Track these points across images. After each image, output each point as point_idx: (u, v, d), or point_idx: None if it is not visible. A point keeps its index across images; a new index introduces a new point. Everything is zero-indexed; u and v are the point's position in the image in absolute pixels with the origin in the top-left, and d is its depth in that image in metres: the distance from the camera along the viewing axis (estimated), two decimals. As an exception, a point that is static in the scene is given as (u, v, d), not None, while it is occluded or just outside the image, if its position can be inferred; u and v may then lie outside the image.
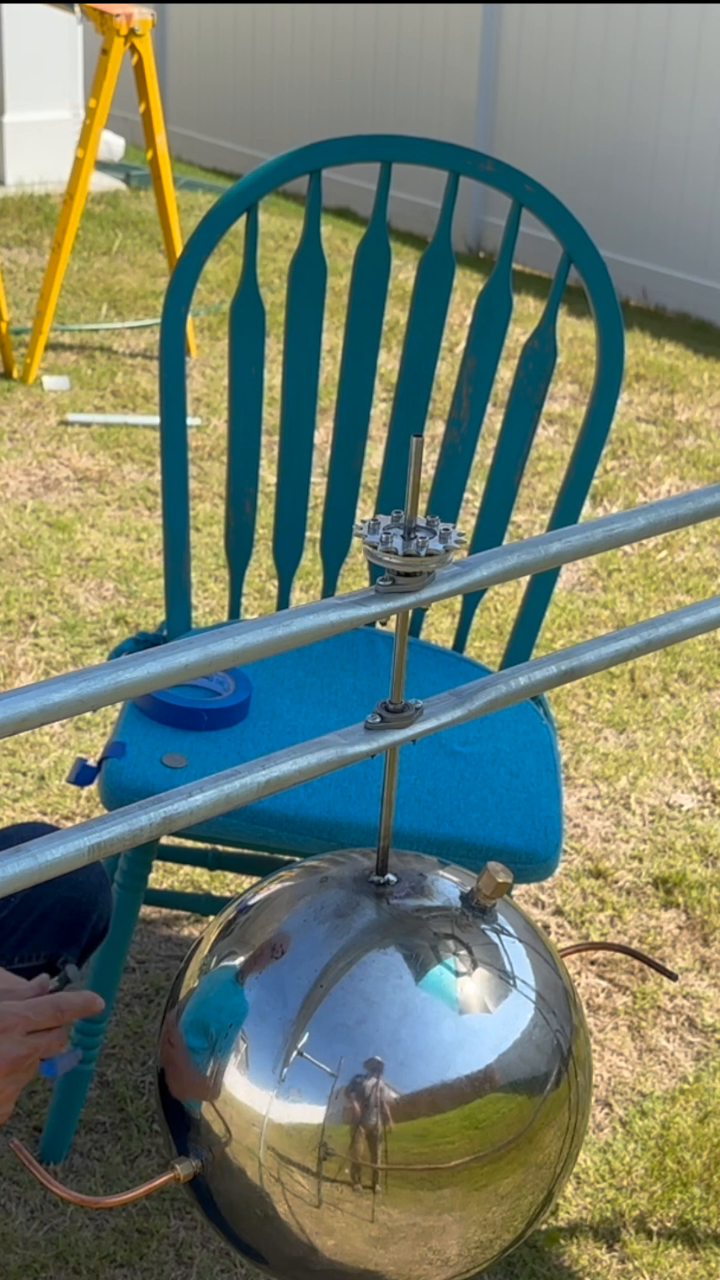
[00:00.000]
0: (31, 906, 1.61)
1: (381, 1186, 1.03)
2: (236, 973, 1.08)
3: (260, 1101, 1.03)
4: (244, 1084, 1.04)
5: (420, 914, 1.10)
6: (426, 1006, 1.05)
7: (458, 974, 1.06)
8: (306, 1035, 1.03)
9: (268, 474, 3.45)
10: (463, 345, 2.08)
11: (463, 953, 1.07)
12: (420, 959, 1.06)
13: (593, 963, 2.38)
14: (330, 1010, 1.04)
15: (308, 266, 2.04)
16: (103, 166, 6.15)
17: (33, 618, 3.15)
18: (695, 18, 5.59)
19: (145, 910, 2.37)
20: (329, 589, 2.15)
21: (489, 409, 2.09)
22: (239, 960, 1.09)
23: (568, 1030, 1.10)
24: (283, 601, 2.13)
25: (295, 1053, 1.03)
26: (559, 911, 2.48)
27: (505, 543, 1.87)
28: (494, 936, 1.10)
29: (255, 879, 1.66)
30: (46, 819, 2.55)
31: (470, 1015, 1.06)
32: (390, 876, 1.11)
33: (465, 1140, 1.04)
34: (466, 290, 5.02)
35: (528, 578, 2.06)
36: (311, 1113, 1.02)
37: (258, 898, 1.13)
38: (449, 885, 1.14)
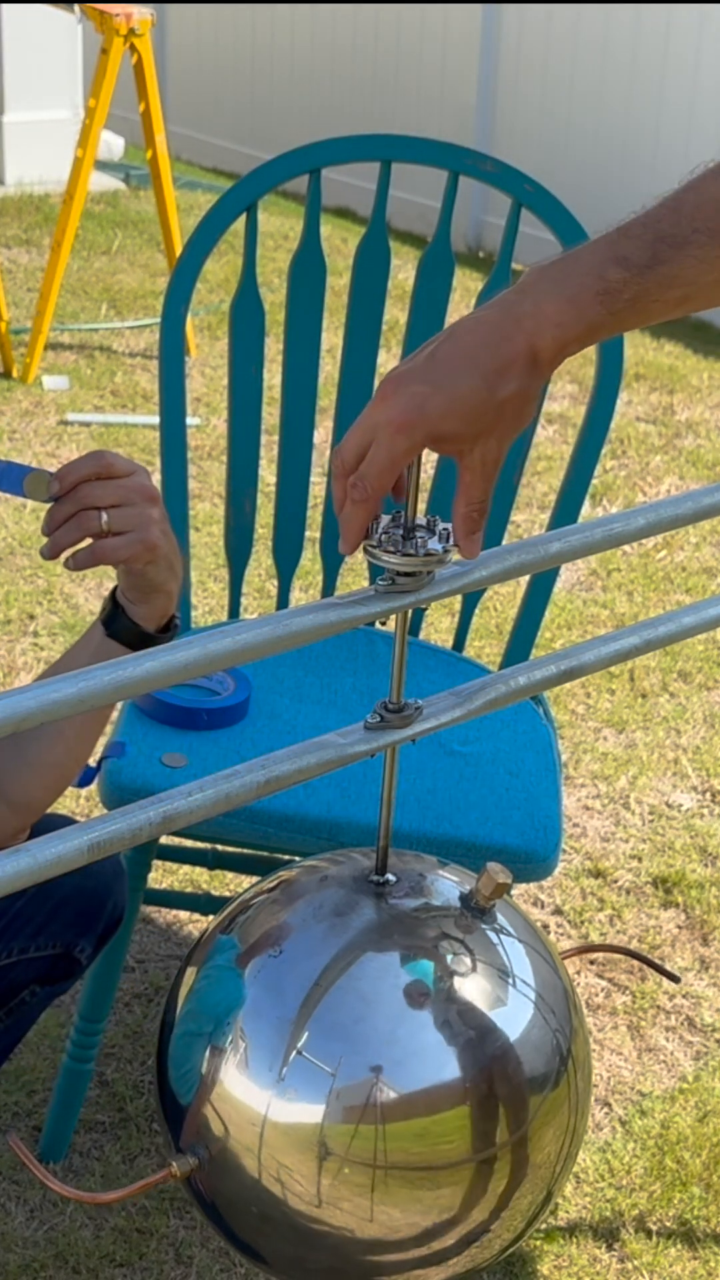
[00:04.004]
0: (48, 895, 1.62)
1: (381, 1186, 1.03)
2: (236, 972, 1.08)
3: (259, 1101, 1.04)
4: (243, 1083, 1.04)
5: (420, 914, 1.10)
6: (426, 1006, 1.05)
7: (457, 974, 1.06)
8: (306, 1034, 1.03)
9: (267, 474, 3.45)
10: (462, 345, 2.08)
11: (462, 952, 1.07)
12: (419, 959, 1.06)
13: (592, 962, 2.38)
14: (329, 1010, 1.04)
15: (307, 266, 2.04)
16: (102, 166, 6.15)
17: (32, 617, 3.15)
18: (695, 18, 5.59)
19: (145, 910, 2.37)
20: (329, 589, 2.15)
21: (489, 409, 2.09)
22: (238, 959, 1.09)
23: (567, 1030, 1.10)
24: (282, 601, 2.13)
25: (294, 1052, 1.03)
26: (558, 911, 2.48)
27: (505, 543, 1.87)
28: (493, 936, 1.10)
29: (255, 879, 1.66)
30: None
31: (469, 1015, 1.06)
32: (390, 876, 1.11)
33: (464, 1140, 1.04)
34: (466, 290, 5.03)
35: (527, 577, 2.06)
36: (311, 1112, 1.03)
37: (257, 897, 1.13)
38: (448, 885, 1.14)
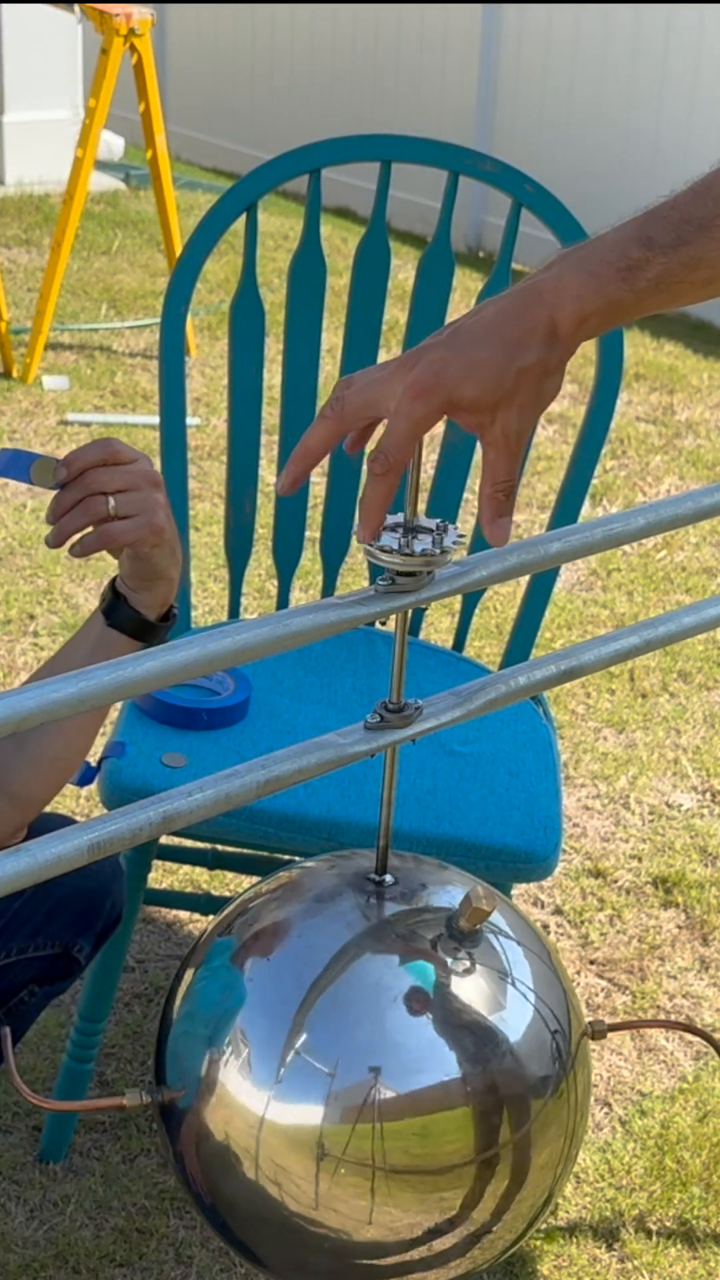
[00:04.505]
0: (46, 895, 1.62)
1: (380, 1188, 1.02)
2: (235, 973, 1.08)
3: (257, 1102, 1.03)
4: (241, 1084, 1.04)
5: (419, 915, 1.10)
6: (424, 1007, 1.05)
7: (456, 975, 1.06)
8: (304, 1035, 1.03)
9: (267, 474, 3.45)
10: (462, 345, 2.08)
11: (461, 953, 1.07)
12: (419, 959, 1.06)
13: (592, 962, 2.38)
14: (328, 1010, 1.04)
15: (307, 266, 2.04)
16: (102, 166, 6.15)
17: (32, 617, 3.15)
18: (695, 18, 5.59)
19: (145, 910, 2.37)
20: (329, 589, 2.15)
21: (489, 409, 2.09)
22: (237, 960, 1.09)
23: (566, 1031, 1.10)
24: (282, 601, 2.13)
25: (293, 1053, 1.03)
26: (558, 911, 2.48)
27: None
28: (492, 938, 1.09)
29: (255, 879, 1.66)
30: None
31: (468, 1016, 1.06)
32: (389, 877, 1.11)
33: (463, 1141, 1.04)
34: (466, 290, 5.02)
35: (527, 577, 2.06)
36: (309, 1113, 1.02)
37: (256, 899, 1.13)
38: (447, 887, 1.14)
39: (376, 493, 1.01)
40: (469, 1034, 1.05)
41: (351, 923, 1.08)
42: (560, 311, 1.02)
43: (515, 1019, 1.07)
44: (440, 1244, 1.05)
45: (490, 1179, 1.05)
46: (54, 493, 1.36)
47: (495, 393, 1.01)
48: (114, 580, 1.45)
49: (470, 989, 1.06)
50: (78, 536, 1.36)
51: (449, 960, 1.06)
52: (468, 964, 1.06)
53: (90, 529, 1.36)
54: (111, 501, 1.35)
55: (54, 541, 1.35)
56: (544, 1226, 1.93)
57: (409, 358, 1.03)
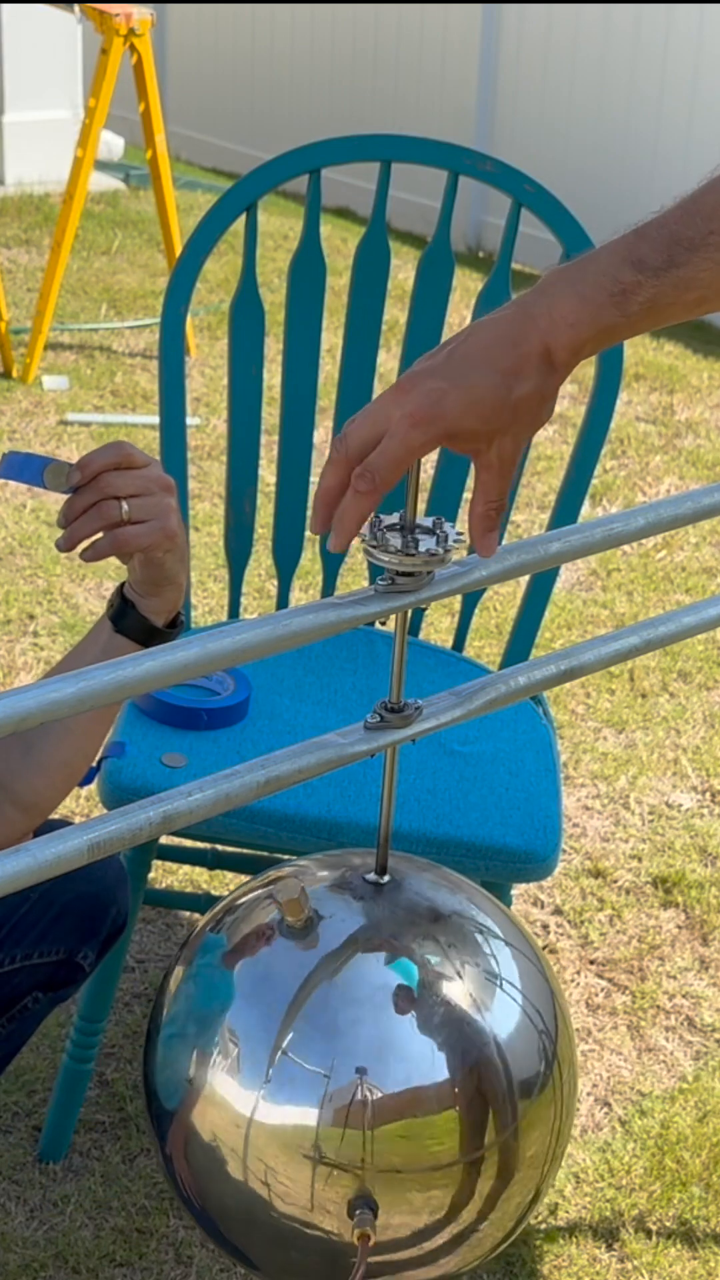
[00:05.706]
0: (51, 901, 1.62)
1: (370, 1188, 1.02)
2: (224, 971, 1.08)
3: (246, 1102, 1.03)
4: (230, 1085, 1.04)
5: (411, 916, 1.10)
6: (414, 1007, 1.05)
7: (445, 976, 1.06)
8: (294, 1035, 1.03)
9: (267, 474, 3.45)
10: (462, 345, 2.08)
11: (451, 954, 1.07)
12: (408, 960, 1.06)
13: (591, 962, 2.38)
14: (318, 1010, 1.04)
15: (307, 266, 2.04)
16: (102, 166, 6.15)
17: (32, 617, 3.15)
18: (695, 18, 5.59)
19: (145, 910, 2.37)
20: (328, 589, 2.15)
21: (488, 409, 2.09)
22: (227, 959, 1.09)
23: (553, 1032, 1.10)
24: (282, 601, 2.13)
25: (282, 1053, 1.03)
26: (558, 911, 2.48)
27: (505, 543, 1.87)
28: (482, 939, 1.10)
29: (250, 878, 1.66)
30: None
31: (456, 1017, 1.06)
32: (385, 877, 1.11)
33: (451, 1141, 1.04)
34: (466, 290, 5.02)
35: (527, 577, 2.06)
36: (299, 1114, 1.02)
37: (248, 897, 1.13)
38: (442, 888, 1.14)
39: (358, 508, 1.01)
40: (457, 1034, 1.05)
41: (342, 923, 1.08)
42: (555, 339, 1.02)
43: (503, 1020, 1.07)
44: (430, 1243, 1.05)
45: (478, 1178, 1.05)
46: (63, 496, 1.36)
47: (493, 423, 1.02)
48: (122, 586, 1.45)
49: (459, 990, 1.06)
50: (89, 541, 1.36)
51: (439, 961, 1.06)
52: (457, 965, 1.07)
53: (101, 534, 1.36)
54: (125, 506, 1.35)
55: (65, 546, 1.35)
56: (544, 1226, 1.93)
57: (405, 382, 1.03)
